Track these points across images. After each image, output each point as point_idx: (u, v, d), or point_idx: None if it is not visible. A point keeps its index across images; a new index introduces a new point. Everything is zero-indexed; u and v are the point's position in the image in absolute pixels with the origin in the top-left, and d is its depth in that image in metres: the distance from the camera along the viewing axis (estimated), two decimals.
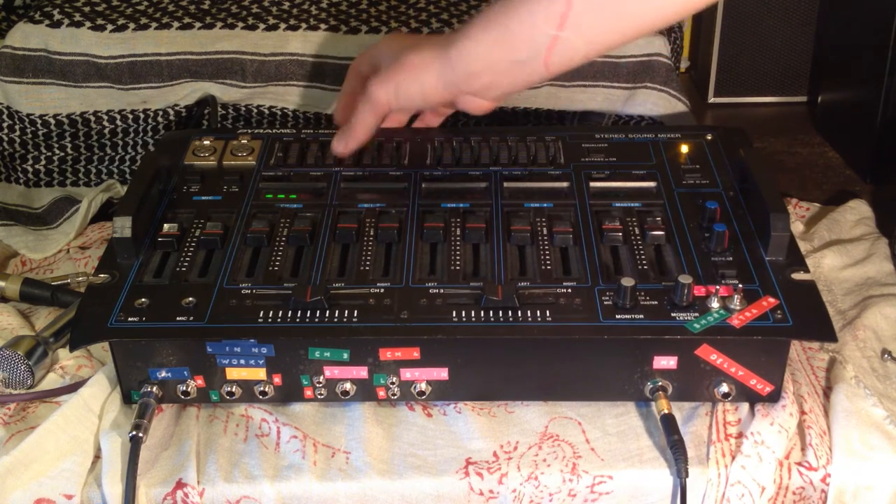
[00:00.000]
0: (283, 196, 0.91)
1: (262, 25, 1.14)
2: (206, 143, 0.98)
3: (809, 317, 0.76)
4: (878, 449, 0.77)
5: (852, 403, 0.79)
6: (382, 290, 0.79)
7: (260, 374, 0.78)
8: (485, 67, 0.83)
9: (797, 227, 1.04)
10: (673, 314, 0.77)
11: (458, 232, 0.86)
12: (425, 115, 1.00)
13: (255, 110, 1.15)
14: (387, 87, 0.87)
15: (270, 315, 0.77)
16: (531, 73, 0.82)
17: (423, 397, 0.79)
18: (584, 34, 0.78)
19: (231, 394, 0.79)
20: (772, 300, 0.78)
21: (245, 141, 0.99)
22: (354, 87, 0.95)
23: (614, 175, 0.93)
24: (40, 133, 1.13)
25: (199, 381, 0.79)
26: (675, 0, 0.77)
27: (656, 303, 0.78)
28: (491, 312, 0.77)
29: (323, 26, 1.15)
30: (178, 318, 0.77)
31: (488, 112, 0.89)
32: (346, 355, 0.77)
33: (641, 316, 0.77)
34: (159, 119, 1.14)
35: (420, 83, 0.86)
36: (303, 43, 1.13)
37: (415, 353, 0.77)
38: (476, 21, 0.82)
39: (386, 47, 0.93)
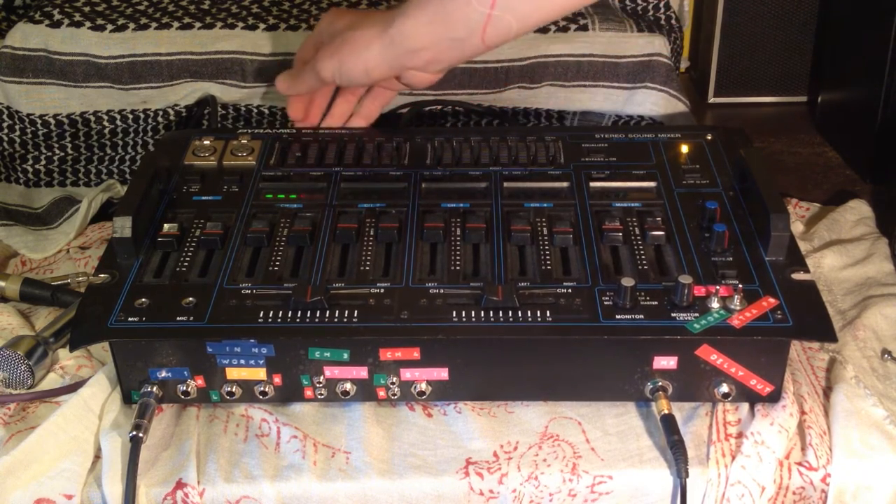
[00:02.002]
0: (283, 196, 0.91)
1: (262, 25, 1.14)
2: (206, 143, 0.98)
3: (809, 317, 0.76)
4: (878, 449, 0.77)
5: (852, 403, 0.79)
6: (382, 291, 0.79)
7: (260, 374, 0.78)
8: (425, 44, 0.86)
9: (797, 227, 1.04)
10: (673, 314, 0.77)
11: (458, 232, 0.86)
12: (374, 91, 1.01)
13: (255, 110, 1.15)
14: (332, 62, 0.90)
15: (270, 315, 0.77)
16: (470, 47, 0.86)
17: (424, 397, 0.79)
18: (515, 11, 0.82)
19: (231, 394, 0.79)
20: (772, 300, 0.78)
21: (245, 141, 0.99)
22: (300, 72, 0.98)
23: (614, 175, 0.93)
24: (40, 133, 1.13)
25: (199, 381, 0.79)
26: None
27: (656, 303, 0.78)
28: (491, 312, 0.77)
29: None
30: (178, 318, 0.77)
31: (432, 84, 0.93)
32: (346, 355, 0.77)
33: (641, 316, 0.77)
34: (159, 119, 1.14)
35: (363, 60, 0.89)
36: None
37: (415, 354, 0.77)
38: (413, 1, 0.85)
39: (327, 24, 0.95)
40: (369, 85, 0.99)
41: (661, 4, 1.22)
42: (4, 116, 1.13)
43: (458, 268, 0.82)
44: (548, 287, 0.80)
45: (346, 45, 0.89)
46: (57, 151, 1.14)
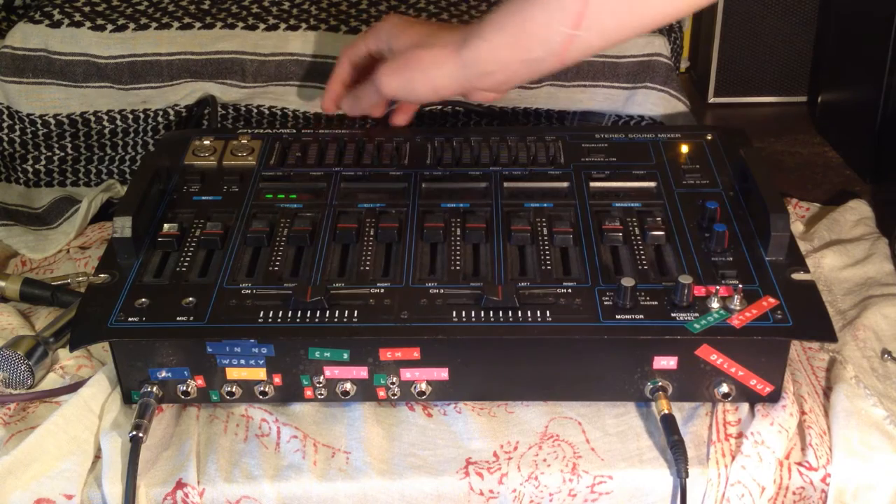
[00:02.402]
0: (283, 196, 0.91)
1: (262, 25, 1.14)
2: (206, 143, 0.98)
3: (809, 317, 0.76)
4: (878, 449, 0.77)
5: (852, 403, 0.79)
6: (382, 291, 0.79)
7: (260, 374, 0.78)
8: (500, 67, 0.83)
9: (797, 227, 1.04)
10: (673, 314, 0.77)
11: (458, 232, 0.86)
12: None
13: (255, 110, 1.15)
14: (398, 80, 0.87)
15: (270, 315, 0.77)
16: (546, 67, 0.82)
17: (423, 397, 0.79)
18: (600, 30, 0.78)
19: (231, 394, 0.79)
20: (772, 300, 0.77)
21: (245, 141, 0.99)
22: (348, 76, 0.96)
23: (614, 175, 0.93)
24: (40, 133, 1.13)
25: (200, 381, 0.79)
26: None
27: (656, 303, 0.78)
28: (491, 312, 0.77)
29: (323, 26, 1.14)
30: (178, 318, 0.77)
31: (497, 99, 0.90)
32: (346, 355, 0.77)
33: (641, 316, 0.77)
34: (159, 119, 1.14)
35: (432, 80, 0.86)
36: (303, 43, 1.13)
37: (415, 354, 0.77)
38: (490, 21, 0.82)
39: (388, 34, 0.92)
40: (431, 101, 0.97)
41: None
42: (4, 116, 1.13)
43: (458, 268, 0.82)
44: (548, 287, 0.80)
45: (415, 64, 0.86)
46: (57, 151, 1.14)
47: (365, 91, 0.92)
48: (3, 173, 1.13)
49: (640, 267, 0.82)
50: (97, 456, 0.77)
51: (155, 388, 0.78)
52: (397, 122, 1.00)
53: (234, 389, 0.79)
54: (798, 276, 0.80)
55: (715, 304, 0.77)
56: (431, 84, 0.86)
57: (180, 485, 0.74)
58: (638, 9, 0.77)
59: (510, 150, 0.96)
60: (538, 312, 0.77)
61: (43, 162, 1.14)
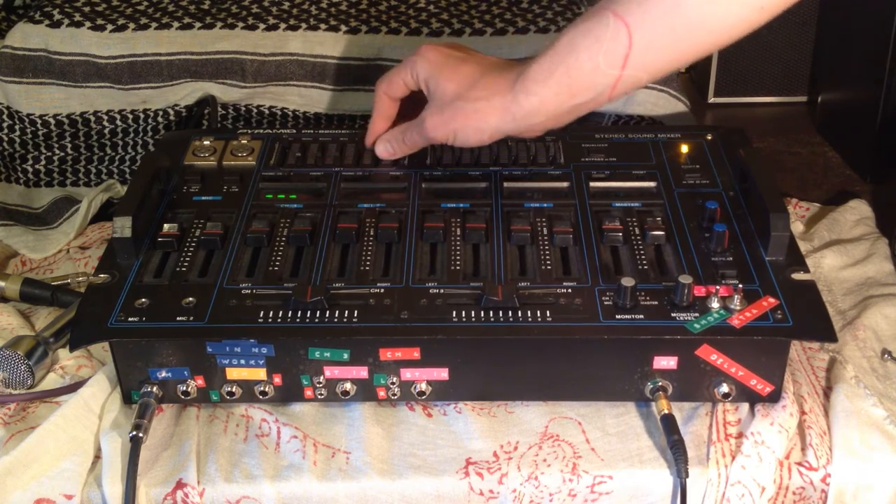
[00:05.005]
0: (283, 196, 0.91)
1: (262, 25, 1.14)
2: (206, 143, 0.98)
3: (809, 317, 0.76)
4: (878, 449, 0.77)
5: (852, 403, 0.79)
6: (382, 290, 0.79)
7: (260, 374, 0.78)
8: (548, 117, 0.83)
9: (797, 227, 1.04)
10: (673, 314, 0.77)
11: (458, 232, 0.86)
12: None
13: (255, 110, 1.15)
14: (445, 130, 0.87)
15: (270, 315, 0.77)
16: (593, 107, 0.82)
17: (423, 397, 0.79)
18: (647, 68, 0.78)
19: (231, 394, 0.79)
20: (772, 300, 0.77)
21: (245, 141, 0.99)
22: (390, 112, 0.94)
23: (614, 175, 0.93)
24: (40, 133, 1.13)
25: (200, 381, 0.79)
26: (729, 24, 0.75)
27: (656, 303, 0.78)
28: (491, 312, 0.77)
29: (323, 26, 1.15)
30: (178, 318, 0.77)
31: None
32: (346, 355, 0.77)
33: (641, 316, 0.77)
34: (159, 119, 1.14)
35: (481, 132, 0.85)
36: (303, 43, 1.13)
37: (415, 353, 0.77)
38: (536, 74, 0.80)
39: (426, 73, 0.88)
40: None
41: None
42: (4, 116, 1.13)
43: (458, 268, 0.82)
44: (548, 287, 0.80)
45: (463, 118, 0.85)
46: (57, 151, 1.14)
47: (410, 136, 0.91)
48: (3, 173, 1.13)
49: (640, 267, 0.82)
50: (97, 456, 0.77)
51: (155, 388, 0.78)
52: None
53: (234, 389, 0.79)
54: (798, 275, 0.80)
55: (715, 304, 0.77)
56: (479, 135, 0.86)
57: (180, 485, 0.74)
58: (681, 44, 0.77)
59: (510, 150, 0.96)
60: (538, 312, 0.77)
61: (43, 162, 1.14)
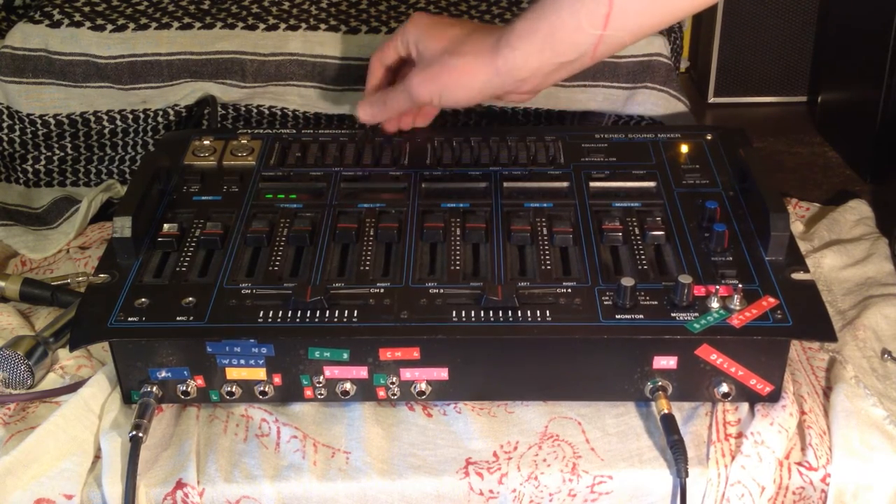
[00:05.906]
0: (283, 196, 0.91)
1: (262, 25, 1.14)
2: (206, 143, 0.98)
3: (809, 317, 0.76)
4: (878, 449, 0.77)
5: (852, 403, 0.79)
6: (382, 290, 0.79)
7: (260, 374, 0.78)
8: (532, 74, 0.83)
9: (797, 227, 1.04)
10: (673, 314, 0.77)
11: (458, 232, 0.86)
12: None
13: (255, 110, 1.15)
14: (430, 87, 0.87)
15: (270, 315, 0.77)
16: (577, 67, 0.84)
17: (423, 397, 0.79)
18: (628, 27, 0.79)
19: (231, 394, 0.79)
20: (772, 300, 0.78)
21: (245, 141, 0.99)
22: (382, 80, 0.95)
23: (614, 175, 0.93)
24: (40, 133, 1.13)
25: (199, 381, 0.79)
26: None
27: (656, 303, 0.78)
28: (491, 312, 0.77)
29: (323, 26, 1.15)
30: (178, 318, 0.77)
31: (529, 100, 0.91)
32: (346, 355, 0.77)
33: (641, 316, 0.77)
34: (159, 119, 1.14)
35: (467, 89, 0.86)
36: (303, 43, 1.13)
37: (415, 353, 0.77)
38: (519, 29, 0.82)
39: (416, 37, 0.90)
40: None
41: None
42: (4, 116, 1.13)
43: (458, 268, 0.82)
44: (548, 287, 0.80)
45: (448, 73, 0.86)
46: (57, 151, 1.14)
47: (395, 96, 0.92)
48: (3, 173, 1.13)
49: (640, 267, 0.82)
50: (97, 456, 0.77)
51: (155, 388, 0.78)
52: (418, 124, 1.00)
53: (233, 389, 0.79)
54: (798, 275, 0.80)
55: (715, 304, 0.77)
56: (465, 92, 0.87)
57: (180, 485, 0.74)
58: (660, 5, 0.79)
59: (510, 150, 0.96)
60: (538, 312, 0.77)
61: (43, 162, 1.14)
